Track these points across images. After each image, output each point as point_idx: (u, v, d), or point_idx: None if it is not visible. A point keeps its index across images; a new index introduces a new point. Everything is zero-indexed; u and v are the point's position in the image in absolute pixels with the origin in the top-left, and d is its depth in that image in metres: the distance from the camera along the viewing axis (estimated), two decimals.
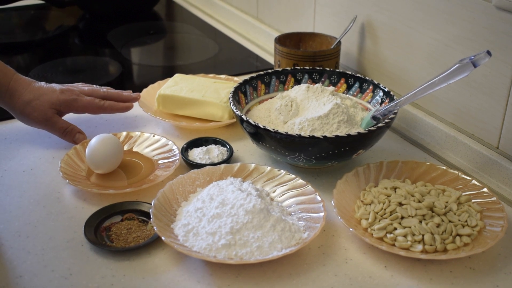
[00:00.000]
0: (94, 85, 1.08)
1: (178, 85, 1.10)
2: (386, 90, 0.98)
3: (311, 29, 1.31)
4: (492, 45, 0.89)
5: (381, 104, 0.99)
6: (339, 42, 1.15)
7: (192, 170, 0.88)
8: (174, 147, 0.96)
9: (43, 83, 1.01)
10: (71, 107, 1.00)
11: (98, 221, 0.81)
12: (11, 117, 1.10)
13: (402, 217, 0.78)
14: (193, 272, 0.74)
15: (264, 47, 1.47)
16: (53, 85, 1.02)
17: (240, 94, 1.00)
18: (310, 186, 0.84)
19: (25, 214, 0.84)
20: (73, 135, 1.00)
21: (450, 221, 0.78)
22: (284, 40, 1.18)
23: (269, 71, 1.06)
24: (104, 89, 1.07)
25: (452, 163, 0.98)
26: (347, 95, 1.03)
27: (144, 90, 1.14)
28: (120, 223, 0.82)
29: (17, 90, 0.98)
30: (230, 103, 0.94)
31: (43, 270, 0.74)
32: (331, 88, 0.97)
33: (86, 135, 1.01)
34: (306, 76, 1.06)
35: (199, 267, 0.75)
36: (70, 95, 1.00)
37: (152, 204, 0.79)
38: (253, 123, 0.87)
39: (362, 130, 0.87)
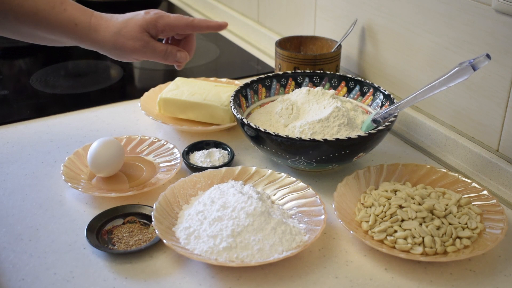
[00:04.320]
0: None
1: (179, 88, 1.10)
2: (386, 93, 0.99)
3: (312, 32, 1.32)
4: (492, 48, 0.89)
5: (381, 107, 0.99)
6: (340, 45, 1.15)
7: (193, 173, 0.88)
8: (176, 150, 0.96)
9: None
10: (158, 25, 0.92)
11: (100, 224, 0.81)
12: (13, 121, 1.11)
13: (403, 220, 0.78)
14: (195, 274, 0.74)
15: (265, 50, 1.47)
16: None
17: (241, 98, 1.01)
18: (310, 189, 0.85)
19: (27, 218, 0.84)
20: (174, 55, 0.95)
21: (450, 224, 0.78)
22: (284, 44, 1.19)
23: (270, 74, 1.06)
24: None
25: (452, 165, 0.98)
26: (347, 98, 1.03)
27: (146, 94, 1.15)
28: (122, 226, 0.82)
29: (100, 24, 0.92)
30: (231, 106, 0.95)
31: (45, 273, 0.74)
32: (332, 91, 0.98)
33: (187, 53, 0.96)
34: (306, 79, 1.06)
35: (200, 270, 0.75)
36: (155, 13, 0.93)
37: (154, 207, 0.80)
38: (254, 127, 0.87)
39: (362, 133, 0.88)
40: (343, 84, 1.05)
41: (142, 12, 0.94)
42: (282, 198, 0.86)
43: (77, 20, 0.90)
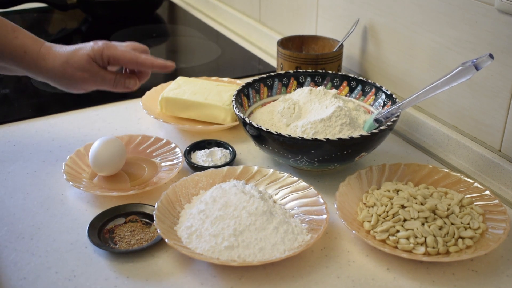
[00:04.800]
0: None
1: (181, 88, 1.10)
2: (388, 93, 0.99)
3: (314, 32, 1.32)
4: (494, 48, 0.89)
5: (383, 107, 0.99)
6: (342, 45, 1.15)
7: (195, 173, 0.88)
8: (177, 149, 0.96)
9: None
10: (103, 56, 0.92)
11: (102, 223, 0.81)
12: (14, 120, 1.10)
13: (405, 220, 0.78)
14: (197, 274, 0.74)
15: (266, 50, 1.47)
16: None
17: (243, 97, 1.01)
18: (312, 189, 0.85)
19: (29, 216, 0.84)
20: (123, 83, 0.94)
21: (452, 224, 0.78)
22: (286, 43, 1.19)
23: (272, 74, 1.06)
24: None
25: (454, 165, 0.98)
26: (349, 98, 1.03)
27: (147, 93, 1.14)
28: (124, 225, 0.82)
29: (49, 53, 0.91)
30: (233, 105, 0.95)
31: (47, 272, 0.74)
32: (334, 91, 0.98)
33: (136, 79, 0.96)
34: (308, 79, 1.06)
35: (202, 269, 0.75)
36: (104, 43, 0.93)
37: (156, 207, 0.79)
38: (256, 126, 0.87)
39: (364, 133, 0.88)
40: (345, 83, 1.05)
41: (91, 42, 0.93)
42: (284, 198, 0.85)
43: (27, 48, 0.91)
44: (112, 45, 0.93)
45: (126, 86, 0.94)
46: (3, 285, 0.72)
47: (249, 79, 1.04)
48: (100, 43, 0.93)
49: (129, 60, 0.93)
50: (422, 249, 0.75)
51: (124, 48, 0.94)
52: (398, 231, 0.77)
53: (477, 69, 0.78)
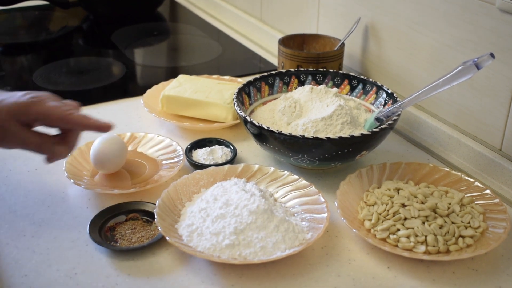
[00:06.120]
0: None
1: (182, 86, 1.10)
2: (389, 91, 0.99)
3: (315, 30, 1.32)
4: (496, 48, 0.89)
5: (384, 105, 0.99)
6: (343, 43, 1.15)
7: (196, 171, 0.88)
8: (178, 147, 0.96)
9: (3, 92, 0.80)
10: (28, 112, 0.76)
11: (103, 221, 0.81)
12: None
13: (405, 218, 0.78)
14: (197, 272, 0.74)
15: (267, 48, 1.47)
16: (18, 92, 0.79)
17: (244, 95, 1.01)
18: (313, 187, 0.85)
19: (30, 214, 0.84)
20: (49, 148, 0.79)
21: (453, 223, 0.78)
22: (287, 42, 1.19)
23: (273, 72, 1.06)
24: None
25: (455, 164, 0.98)
26: (350, 97, 1.03)
27: (148, 91, 1.15)
28: (125, 223, 0.82)
29: None
30: (234, 104, 0.95)
31: (48, 270, 0.74)
32: (335, 89, 0.98)
33: (67, 146, 0.81)
34: (309, 77, 1.06)
35: (203, 267, 0.75)
36: (32, 97, 0.77)
37: (156, 204, 0.80)
38: (257, 124, 0.87)
39: (365, 132, 0.88)
40: (346, 82, 1.05)
41: (19, 93, 0.78)
42: (284, 196, 0.86)
43: None
44: (43, 99, 0.78)
45: (54, 151, 0.79)
46: (4, 283, 0.73)
47: (250, 78, 1.05)
48: (27, 97, 0.77)
49: (58, 117, 0.78)
50: (422, 248, 0.75)
51: (54, 103, 0.79)
52: (398, 229, 0.77)
53: (478, 68, 0.78)
